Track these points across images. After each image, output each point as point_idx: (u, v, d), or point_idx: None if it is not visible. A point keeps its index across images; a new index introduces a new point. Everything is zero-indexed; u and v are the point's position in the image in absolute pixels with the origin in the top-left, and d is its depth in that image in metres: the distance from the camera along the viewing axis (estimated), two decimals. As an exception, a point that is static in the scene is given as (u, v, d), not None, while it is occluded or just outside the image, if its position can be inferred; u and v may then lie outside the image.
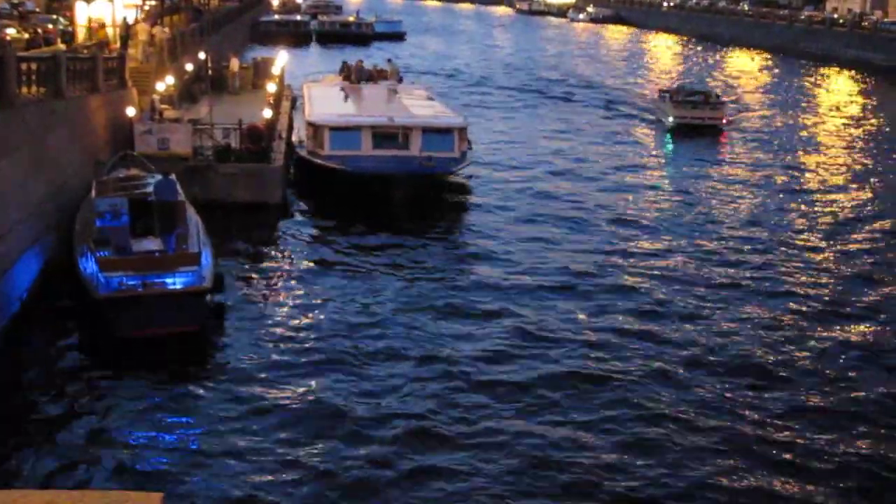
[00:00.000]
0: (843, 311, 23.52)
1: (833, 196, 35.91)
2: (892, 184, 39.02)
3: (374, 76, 45.53)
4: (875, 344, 21.74)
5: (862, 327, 22.77)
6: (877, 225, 31.77)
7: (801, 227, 31.40)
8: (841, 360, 20.73)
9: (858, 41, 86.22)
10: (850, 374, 20.12)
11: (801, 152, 44.99)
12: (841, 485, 15.84)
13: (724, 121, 49.43)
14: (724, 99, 54.12)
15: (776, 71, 79.04)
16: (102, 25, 41.43)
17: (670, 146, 46.26)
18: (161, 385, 18.72)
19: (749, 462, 16.38)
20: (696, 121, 48.38)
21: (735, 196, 35.35)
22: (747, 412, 18.09)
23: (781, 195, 35.71)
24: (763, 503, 15.29)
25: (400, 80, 46.82)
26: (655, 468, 16.05)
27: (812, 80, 73.99)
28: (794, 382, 19.50)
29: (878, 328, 22.69)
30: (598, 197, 34.22)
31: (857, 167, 42.29)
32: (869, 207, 34.45)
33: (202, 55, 42.29)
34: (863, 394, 19.16)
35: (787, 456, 16.64)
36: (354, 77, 44.11)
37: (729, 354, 20.73)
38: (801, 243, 29.31)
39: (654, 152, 44.69)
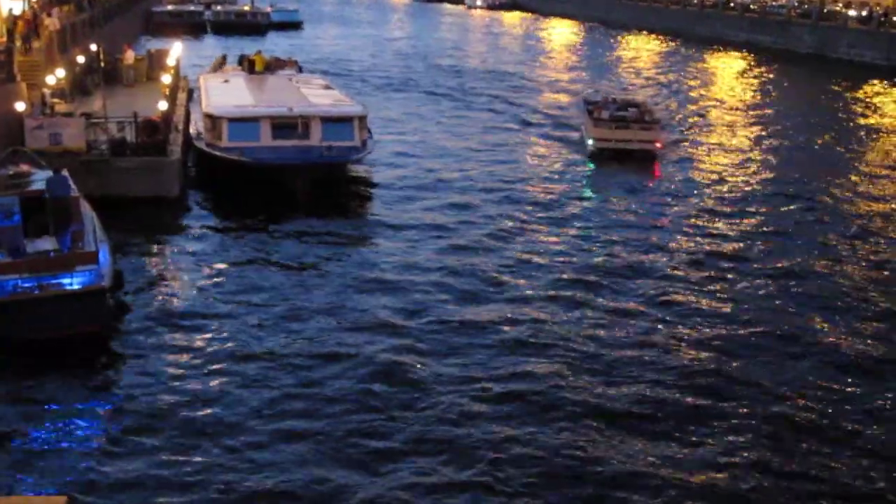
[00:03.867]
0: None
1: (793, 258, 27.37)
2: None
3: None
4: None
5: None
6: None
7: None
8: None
9: (748, 24, 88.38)
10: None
11: (737, 187, 35.30)
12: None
13: (659, 145, 39.21)
14: (659, 114, 44.33)
15: (676, 57, 79.71)
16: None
17: (586, 182, 36.06)
18: (62, 388, 18.26)
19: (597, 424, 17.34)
20: (621, 145, 38.40)
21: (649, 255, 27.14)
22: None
23: (715, 246, 28.07)
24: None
25: (299, 70, 46.44)
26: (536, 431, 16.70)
27: (720, 67, 74.08)
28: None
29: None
30: (497, 191, 33.69)
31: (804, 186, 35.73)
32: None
33: (94, 47, 41.23)
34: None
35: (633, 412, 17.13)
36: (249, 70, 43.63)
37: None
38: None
39: (564, 183, 35.14)
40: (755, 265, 26.38)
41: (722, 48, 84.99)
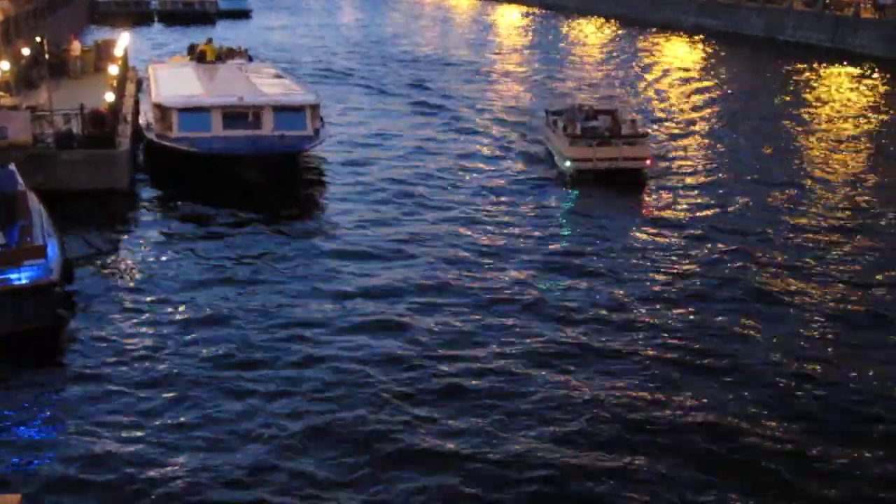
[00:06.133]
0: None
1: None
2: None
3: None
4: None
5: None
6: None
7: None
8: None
9: (696, 9, 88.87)
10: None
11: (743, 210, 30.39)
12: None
13: (649, 162, 33.43)
14: (644, 125, 37.64)
15: (628, 44, 79.52)
16: None
17: (564, 215, 29.95)
18: (13, 386, 18.05)
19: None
20: (604, 164, 32.18)
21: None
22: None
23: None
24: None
25: (249, 60, 46.08)
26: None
27: (672, 53, 73.31)
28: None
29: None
30: (452, 188, 32.41)
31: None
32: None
33: (39, 38, 40.65)
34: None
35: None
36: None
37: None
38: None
39: (535, 217, 29.28)
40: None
41: (672, 33, 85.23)
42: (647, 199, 31.62)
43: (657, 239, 27.36)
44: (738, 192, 32.26)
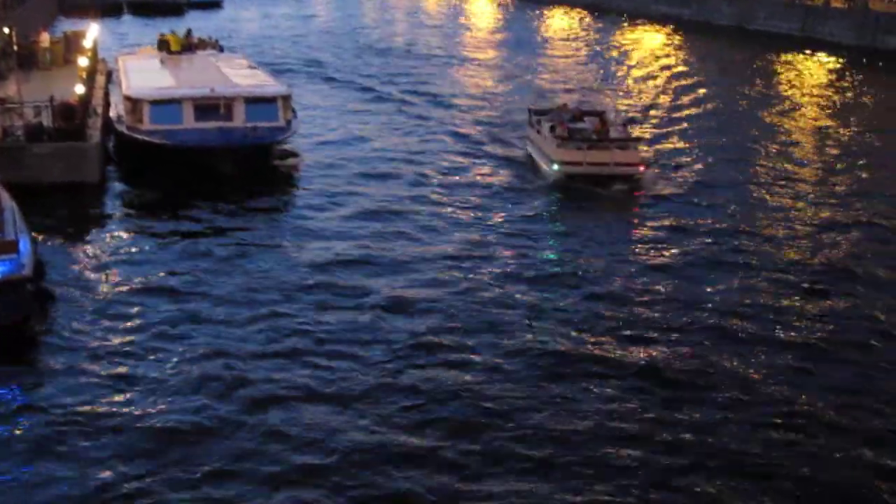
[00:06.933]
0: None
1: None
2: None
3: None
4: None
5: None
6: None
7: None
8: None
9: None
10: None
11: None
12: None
13: (642, 168, 31.80)
14: (634, 127, 36.44)
15: (600, 34, 79.37)
16: None
17: (557, 223, 28.51)
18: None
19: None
20: (594, 169, 30.66)
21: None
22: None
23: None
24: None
25: (221, 51, 45.79)
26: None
27: (645, 43, 73.43)
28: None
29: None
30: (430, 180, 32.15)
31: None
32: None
33: (7, 30, 40.25)
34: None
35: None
36: None
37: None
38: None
39: (521, 223, 27.95)
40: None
41: (643, 22, 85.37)
42: (637, 206, 30.09)
43: (648, 246, 26.31)
44: (726, 193, 31.56)
